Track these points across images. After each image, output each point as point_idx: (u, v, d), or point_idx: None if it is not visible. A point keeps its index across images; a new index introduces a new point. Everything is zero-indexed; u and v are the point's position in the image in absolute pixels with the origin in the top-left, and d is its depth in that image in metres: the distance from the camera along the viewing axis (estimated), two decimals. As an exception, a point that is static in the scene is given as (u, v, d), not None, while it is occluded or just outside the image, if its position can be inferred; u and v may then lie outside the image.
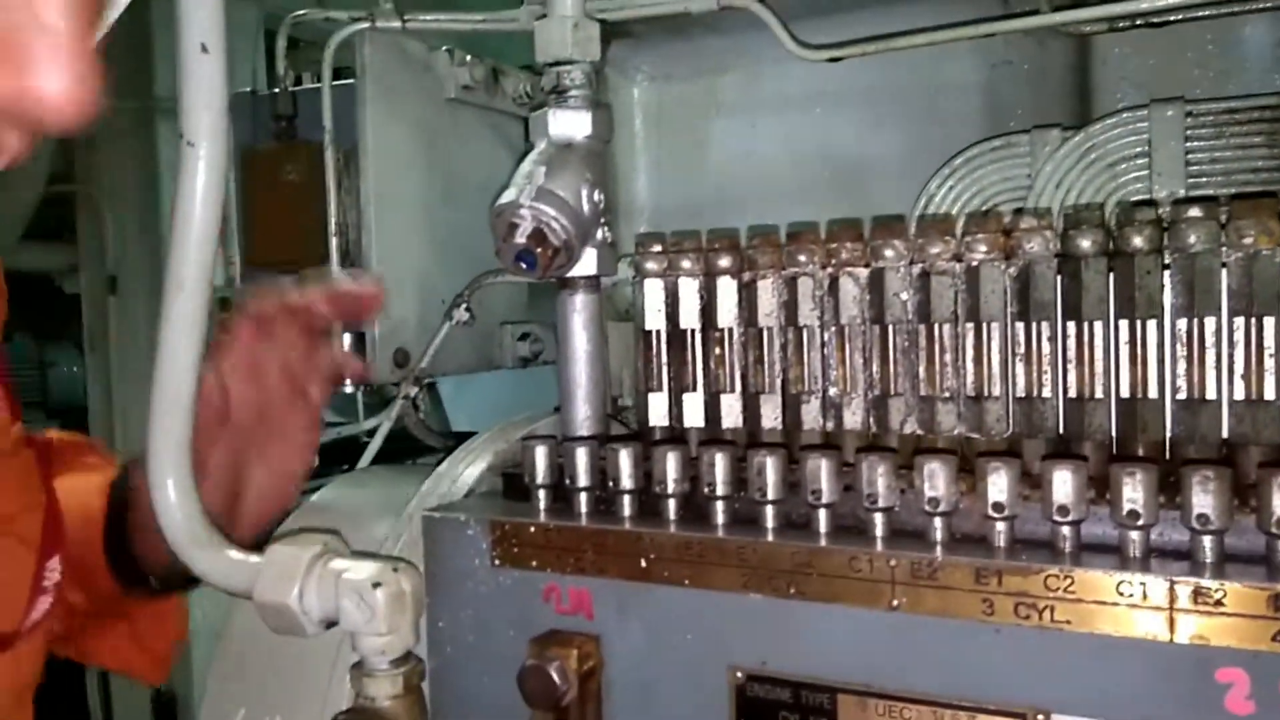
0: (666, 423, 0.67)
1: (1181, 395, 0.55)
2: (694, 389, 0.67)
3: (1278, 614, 0.40)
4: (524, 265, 0.63)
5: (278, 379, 0.59)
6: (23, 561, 0.53)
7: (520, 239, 0.63)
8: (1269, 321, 0.53)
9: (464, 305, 0.88)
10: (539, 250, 0.63)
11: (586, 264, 0.68)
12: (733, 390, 0.66)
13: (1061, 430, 0.57)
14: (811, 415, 0.64)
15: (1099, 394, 0.57)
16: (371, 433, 0.92)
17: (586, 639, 0.54)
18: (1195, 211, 0.56)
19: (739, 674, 0.51)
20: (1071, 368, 0.57)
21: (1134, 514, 0.45)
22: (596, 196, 0.66)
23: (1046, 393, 0.58)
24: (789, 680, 0.50)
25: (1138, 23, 0.76)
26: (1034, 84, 0.88)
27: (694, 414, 0.66)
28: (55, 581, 0.55)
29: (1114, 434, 0.56)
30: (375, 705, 0.52)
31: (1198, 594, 0.42)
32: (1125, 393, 0.56)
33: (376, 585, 0.51)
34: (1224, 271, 0.54)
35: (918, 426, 0.61)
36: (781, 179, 0.99)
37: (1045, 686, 0.45)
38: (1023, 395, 0.59)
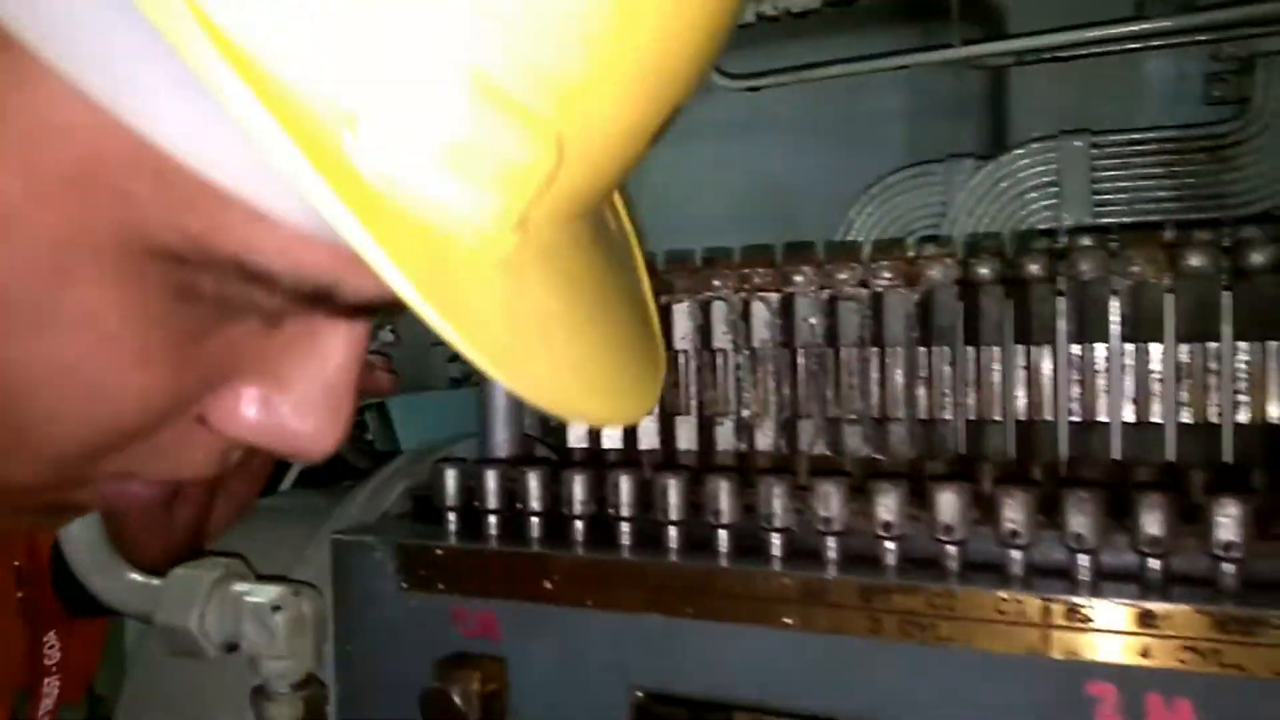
0: (586, 445, 0.68)
1: (1075, 418, 0.57)
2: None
3: (1144, 630, 0.42)
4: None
5: None
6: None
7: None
8: (1154, 348, 0.55)
9: (388, 327, 0.89)
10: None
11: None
12: (650, 414, 0.67)
13: (962, 451, 0.59)
14: (725, 437, 0.65)
15: (996, 416, 0.58)
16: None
17: (492, 661, 0.54)
18: (1087, 241, 0.58)
19: (639, 694, 0.52)
20: (970, 391, 0.59)
21: (1014, 534, 0.46)
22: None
23: (947, 415, 0.60)
24: (687, 699, 0.50)
25: (1044, 57, 0.79)
26: (952, 115, 0.91)
27: (612, 437, 0.66)
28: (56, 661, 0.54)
29: (1014, 454, 0.57)
30: (275, 730, 0.51)
31: (1071, 611, 0.43)
32: (1021, 415, 0.58)
33: (276, 609, 0.51)
34: (1114, 299, 0.56)
35: (825, 448, 0.63)
36: (712, 205, 1.01)
37: (929, 703, 0.46)
38: (924, 418, 0.60)
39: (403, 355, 0.96)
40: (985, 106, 0.89)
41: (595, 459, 0.66)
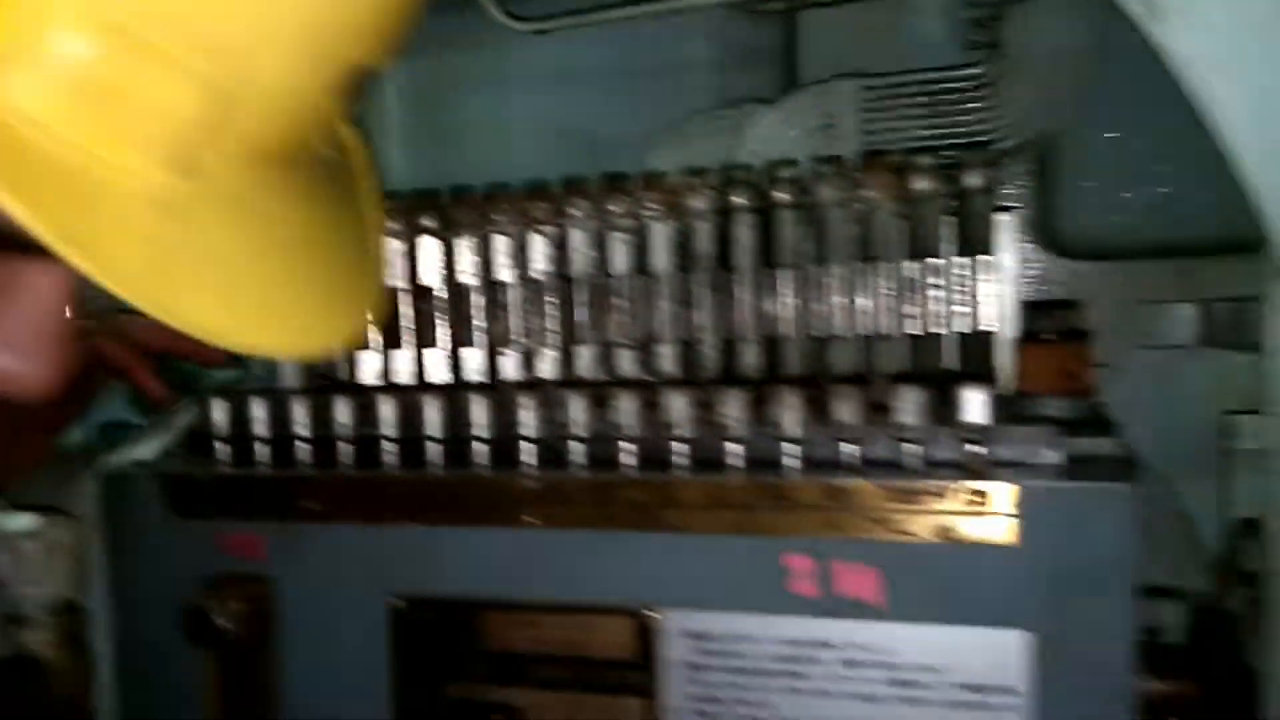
0: (381, 380, 0.69)
1: (814, 332, 0.61)
2: (399, 346, 0.69)
3: (829, 505, 0.46)
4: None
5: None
6: None
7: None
8: (885, 266, 0.60)
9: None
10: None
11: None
12: (435, 345, 0.69)
13: (722, 367, 0.63)
14: (510, 366, 0.68)
15: (749, 335, 0.62)
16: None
17: (257, 582, 0.56)
18: (827, 170, 0.62)
19: (397, 601, 0.54)
20: (724, 310, 0.63)
21: (728, 429, 0.50)
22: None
23: (706, 336, 0.63)
24: (439, 601, 0.53)
25: (822, 1, 0.84)
26: (753, 62, 0.96)
27: (404, 368, 0.68)
28: None
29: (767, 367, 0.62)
30: (34, 653, 0.51)
31: (771, 491, 0.47)
32: (768, 331, 0.62)
33: (30, 536, 0.51)
34: (848, 222, 0.61)
35: (602, 372, 0.66)
36: (529, 152, 1.03)
37: (656, 585, 0.49)
38: (686, 339, 0.64)
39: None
40: (779, 55, 0.94)
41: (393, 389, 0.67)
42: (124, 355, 0.64)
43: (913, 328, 0.60)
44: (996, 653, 0.44)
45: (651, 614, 0.49)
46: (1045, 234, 0.88)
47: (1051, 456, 0.47)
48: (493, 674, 0.52)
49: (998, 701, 0.45)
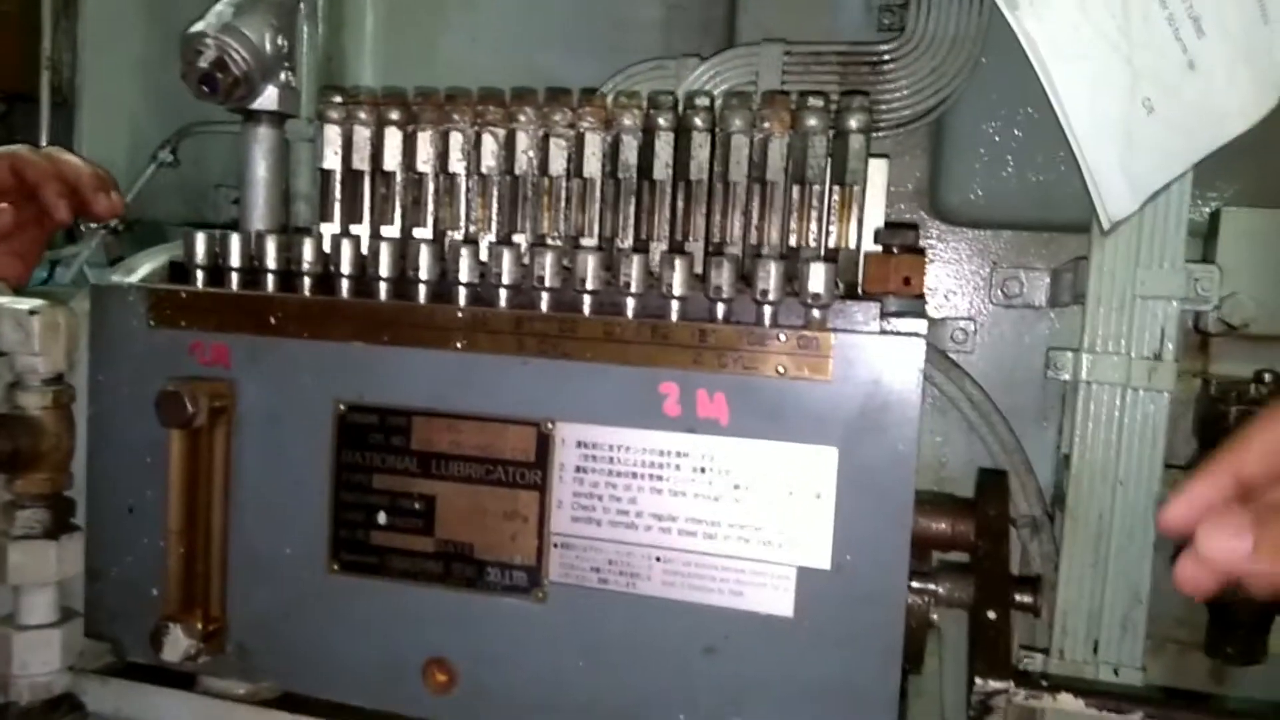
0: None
1: (713, 240, 0.74)
2: (361, 221, 0.80)
3: (698, 344, 0.59)
4: (206, 89, 0.74)
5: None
6: None
7: (204, 64, 0.74)
8: (777, 189, 0.73)
9: (169, 148, 0.97)
10: (220, 76, 0.74)
11: (268, 100, 0.79)
12: (392, 224, 0.80)
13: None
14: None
15: (655, 238, 0.74)
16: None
17: (221, 382, 0.66)
18: (735, 102, 0.74)
19: (341, 405, 0.65)
20: (645, 217, 0.75)
21: (627, 285, 0.62)
22: (280, 41, 0.78)
23: (626, 240, 0.75)
24: (377, 408, 0.64)
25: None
26: (698, 26, 1.08)
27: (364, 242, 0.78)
28: None
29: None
30: (27, 413, 0.61)
31: (654, 331, 0.59)
32: (676, 236, 0.74)
33: (33, 313, 0.61)
34: (748, 147, 0.73)
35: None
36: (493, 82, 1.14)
37: (554, 403, 0.61)
38: (609, 237, 0.75)
39: (185, 188, 1.04)
40: (724, 19, 1.06)
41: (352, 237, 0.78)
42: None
43: (791, 240, 0.73)
44: (811, 464, 0.57)
45: (549, 425, 0.61)
46: (933, 201, 1.02)
47: (872, 324, 0.60)
48: (417, 470, 0.64)
49: (811, 503, 0.57)
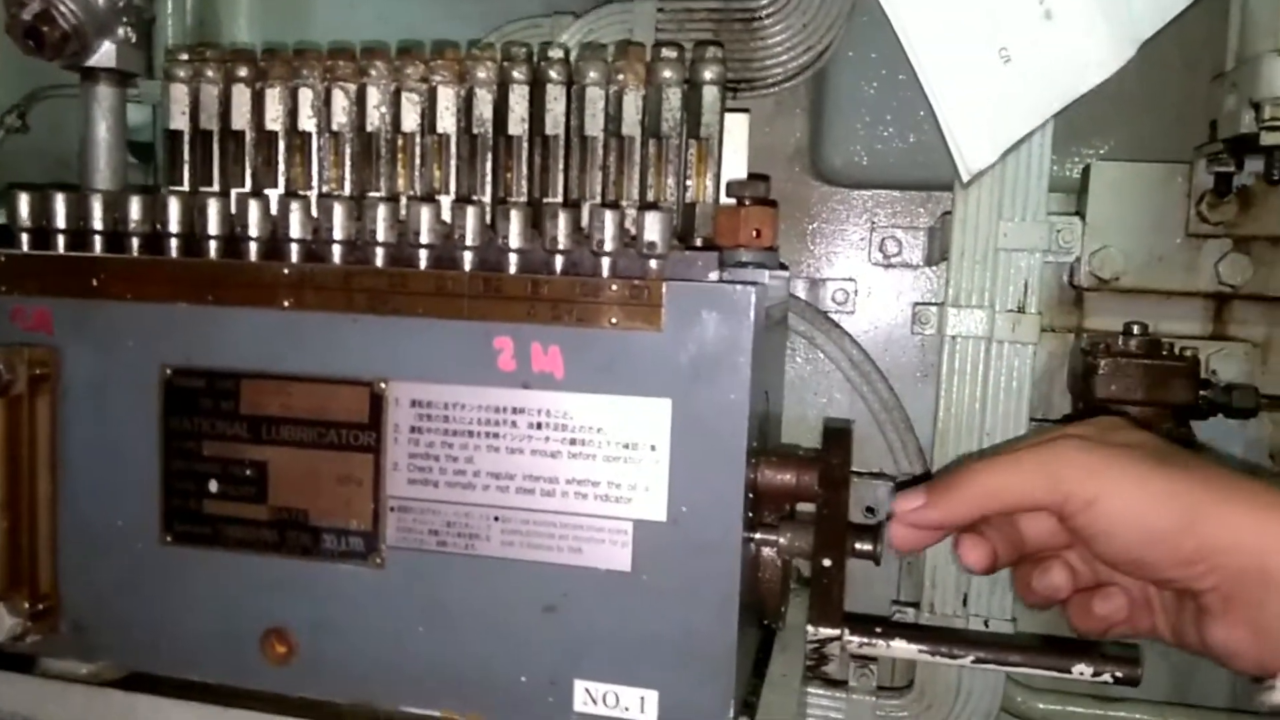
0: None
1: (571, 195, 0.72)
2: (212, 184, 0.77)
3: (531, 296, 0.57)
4: (31, 43, 0.70)
5: None
6: None
7: (27, 16, 0.70)
8: (634, 141, 0.71)
9: (17, 113, 0.92)
10: (46, 30, 0.70)
11: (105, 56, 0.75)
12: (244, 185, 0.76)
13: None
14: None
15: (513, 194, 0.72)
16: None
17: (42, 348, 0.63)
18: (589, 54, 0.73)
19: (168, 370, 0.62)
20: (502, 174, 0.73)
21: (462, 238, 0.60)
22: (115, -5, 0.74)
23: (480, 195, 0.73)
24: (204, 371, 0.62)
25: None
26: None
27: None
28: None
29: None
30: None
31: (486, 283, 0.58)
32: (533, 193, 0.72)
33: None
34: (609, 103, 0.72)
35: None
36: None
37: (386, 360, 0.59)
38: (464, 195, 0.73)
39: (44, 155, 0.99)
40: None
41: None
42: None
43: (650, 195, 0.72)
44: (645, 417, 0.56)
45: (381, 385, 0.59)
46: (814, 162, 1.02)
47: (711, 274, 0.59)
48: (247, 435, 0.61)
49: (646, 456, 0.56)
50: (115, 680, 0.67)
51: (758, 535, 0.61)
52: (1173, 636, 0.50)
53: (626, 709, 0.58)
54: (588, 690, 0.58)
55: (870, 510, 1.00)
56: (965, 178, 0.78)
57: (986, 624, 0.83)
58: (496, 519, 0.58)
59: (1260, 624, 0.43)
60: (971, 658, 0.54)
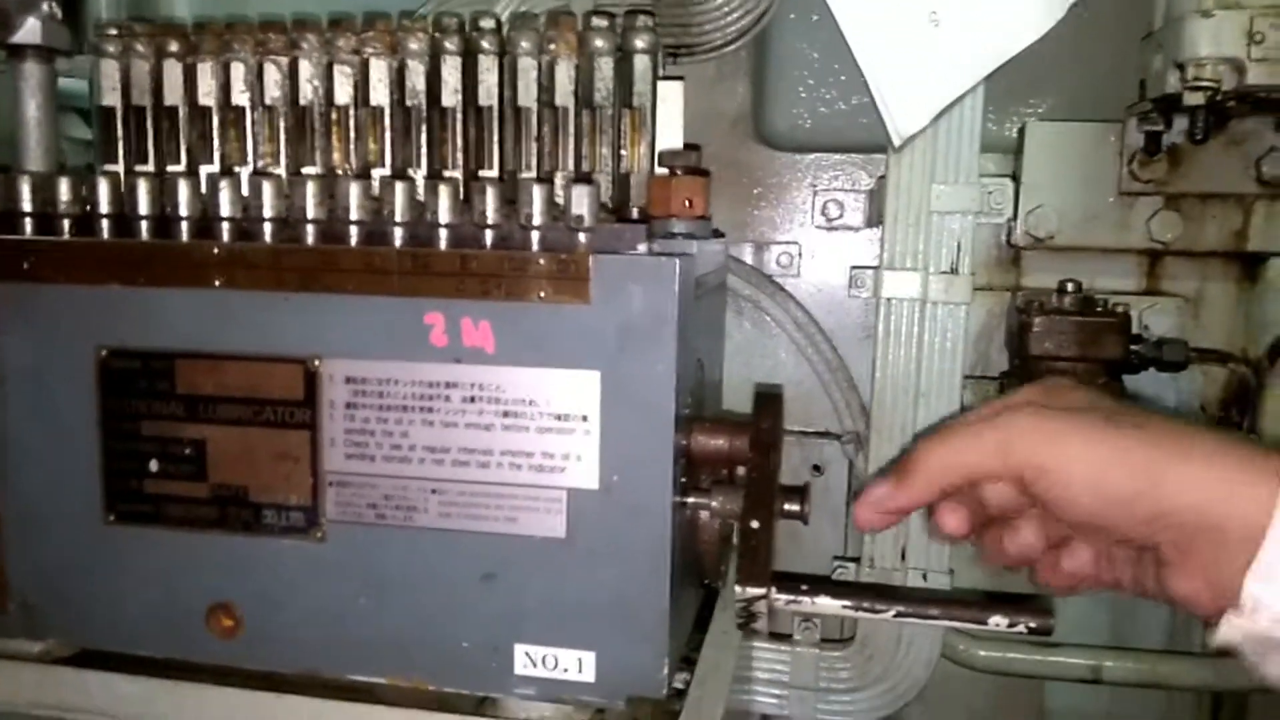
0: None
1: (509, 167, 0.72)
2: (146, 162, 0.76)
3: (460, 272, 0.58)
4: (-49, 21, 0.69)
5: None
6: None
7: (-58, -7, 0.68)
8: (568, 111, 0.71)
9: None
10: (-36, 7, 0.69)
11: (30, 33, 0.74)
12: (179, 162, 0.76)
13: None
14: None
15: (449, 166, 0.73)
16: None
17: (-24, 334, 0.63)
18: (520, 24, 0.73)
19: (103, 351, 0.62)
20: (437, 147, 0.73)
21: (391, 214, 0.61)
22: (36, -31, 0.73)
23: (416, 169, 0.73)
24: (139, 352, 0.62)
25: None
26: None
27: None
28: None
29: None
30: None
31: (415, 259, 0.58)
32: (469, 166, 0.72)
33: None
34: (541, 73, 0.72)
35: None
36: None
37: (319, 338, 0.60)
38: (400, 169, 0.73)
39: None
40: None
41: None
42: None
43: (585, 166, 0.72)
44: (576, 388, 0.57)
45: (315, 362, 0.60)
46: (757, 127, 1.02)
47: (639, 246, 0.60)
48: (184, 414, 0.62)
49: (577, 426, 0.57)
50: (66, 657, 0.68)
51: (691, 499, 0.62)
52: (1134, 588, 0.52)
53: (565, 670, 0.59)
54: (528, 654, 0.60)
55: (817, 468, 1.03)
56: (897, 142, 0.79)
57: (925, 577, 0.86)
58: (434, 491, 0.60)
59: (1214, 576, 0.44)
60: (893, 612, 0.56)
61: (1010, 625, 0.55)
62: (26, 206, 0.66)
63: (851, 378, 0.98)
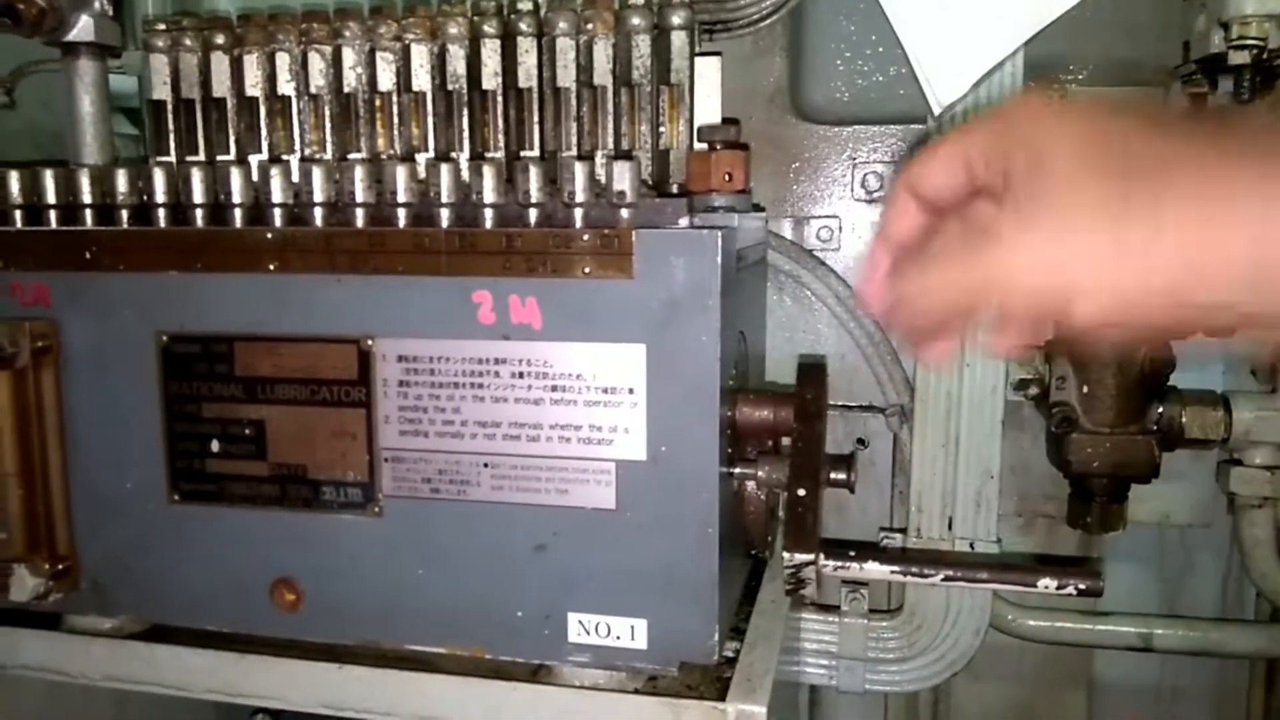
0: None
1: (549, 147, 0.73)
2: (197, 153, 0.78)
3: (506, 250, 0.59)
4: (8, 21, 0.71)
5: None
6: None
7: (2, -5, 0.71)
8: (606, 90, 0.72)
9: (4, 89, 0.94)
10: (21, 7, 0.71)
11: (84, 30, 0.76)
12: (228, 152, 0.78)
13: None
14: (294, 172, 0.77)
15: (491, 148, 0.74)
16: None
17: (42, 321, 0.65)
18: (558, 4, 0.73)
19: (164, 337, 0.64)
20: (479, 130, 0.74)
21: (438, 195, 0.62)
22: (85, -32, 0.75)
23: (458, 151, 0.74)
24: (199, 336, 0.64)
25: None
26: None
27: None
28: None
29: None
30: None
31: (462, 239, 0.59)
32: (510, 146, 0.73)
33: None
34: (579, 53, 0.72)
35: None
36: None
37: (371, 318, 0.61)
38: (444, 151, 0.75)
39: (34, 129, 1.01)
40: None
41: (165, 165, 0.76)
42: None
43: (625, 143, 0.73)
44: (622, 362, 0.58)
45: (368, 342, 0.62)
46: (794, 101, 1.02)
47: (681, 221, 0.61)
48: (244, 396, 0.64)
49: (624, 399, 0.58)
50: (136, 633, 0.71)
51: (737, 470, 0.63)
52: None
53: (618, 637, 0.61)
54: (580, 622, 0.61)
55: (862, 441, 1.03)
56: (936, 110, 0.78)
57: (973, 546, 0.86)
58: (486, 465, 0.61)
59: None
60: (941, 576, 0.56)
61: (1060, 588, 0.55)
62: (86, 199, 0.68)
63: (894, 350, 0.98)
